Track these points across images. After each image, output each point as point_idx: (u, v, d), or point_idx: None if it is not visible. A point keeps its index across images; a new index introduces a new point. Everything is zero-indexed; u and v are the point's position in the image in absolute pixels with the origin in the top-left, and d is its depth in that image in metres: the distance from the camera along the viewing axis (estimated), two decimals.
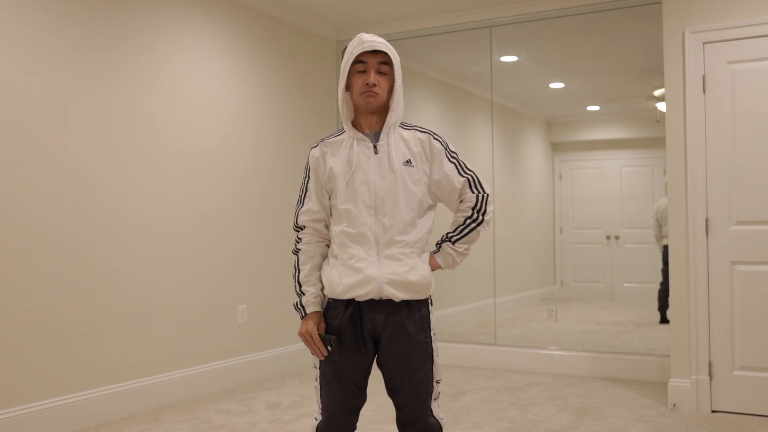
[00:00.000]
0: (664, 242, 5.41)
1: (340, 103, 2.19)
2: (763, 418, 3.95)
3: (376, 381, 4.47)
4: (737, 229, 4.05)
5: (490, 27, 5.45)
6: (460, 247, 2.23)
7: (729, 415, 4.03)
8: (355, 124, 2.21)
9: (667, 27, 4.23)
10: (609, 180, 5.93)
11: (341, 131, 2.23)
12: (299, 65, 5.56)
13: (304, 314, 2.20)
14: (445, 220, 2.42)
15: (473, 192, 2.21)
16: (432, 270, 2.21)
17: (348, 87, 2.18)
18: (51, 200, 3.75)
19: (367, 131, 2.19)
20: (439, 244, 2.26)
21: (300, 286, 2.22)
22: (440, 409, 2.42)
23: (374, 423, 3.90)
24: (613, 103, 5.75)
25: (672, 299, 4.22)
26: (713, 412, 4.08)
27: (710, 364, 4.10)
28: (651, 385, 4.70)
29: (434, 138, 2.21)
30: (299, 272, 2.23)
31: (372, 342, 2.17)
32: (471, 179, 2.21)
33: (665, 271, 5.36)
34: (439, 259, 2.24)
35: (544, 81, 5.97)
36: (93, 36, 3.99)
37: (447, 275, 5.07)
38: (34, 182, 3.68)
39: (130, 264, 4.17)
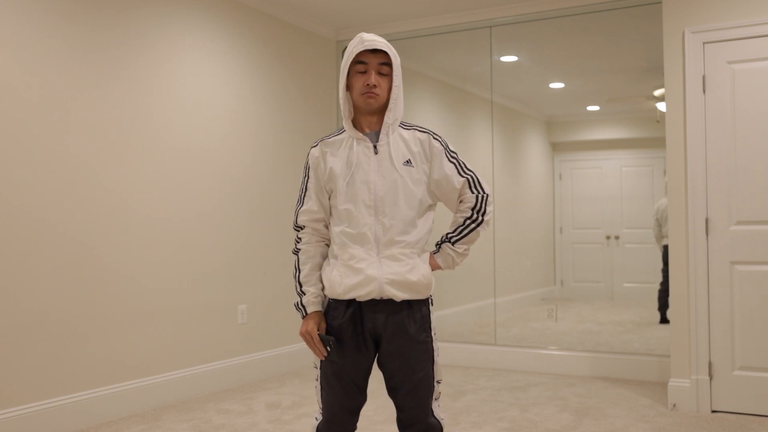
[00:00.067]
0: (664, 242, 5.41)
1: (341, 102, 2.19)
2: (763, 418, 3.95)
3: (376, 381, 4.47)
4: (737, 229, 4.05)
5: (490, 27, 5.45)
6: (459, 247, 2.23)
7: (729, 415, 4.03)
8: (355, 124, 2.21)
9: (667, 27, 4.23)
10: (609, 180, 5.92)
11: (340, 131, 2.23)
12: (299, 65, 5.56)
13: (304, 314, 2.20)
14: (445, 220, 2.42)
15: (473, 192, 2.21)
16: (432, 270, 2.21)
17: (348, 87, 2.18)
18: (51, 200, 3.75)
19: (367, 131, 2.19)
20: (438, 245, 2.26)
21: (300, 285, 2.21)
22: (441, 409, 2.42)
23: (374, 423, 3.90)
24: (613, 103, 5.75)
25: (672, 299, 4.22)
26: (713, 412, 4.08)
27: (710, 364, 4.10)
28: (651, 385, 4.70)
29: (434, 138, 2.20)
30: (299, 272, 2.23)
31: (373, 342, 2.17)
32: (471, 179, 2.21)
33: (665, 271, 5.35)
34: (438, 259, 2.24)
35: (544, 81, 5.97)
36: (93, 36, 3.99)
37: (447, 275, 5.07)
38: (34, 182, 3.68)
39: (130, 264, 4.17)
